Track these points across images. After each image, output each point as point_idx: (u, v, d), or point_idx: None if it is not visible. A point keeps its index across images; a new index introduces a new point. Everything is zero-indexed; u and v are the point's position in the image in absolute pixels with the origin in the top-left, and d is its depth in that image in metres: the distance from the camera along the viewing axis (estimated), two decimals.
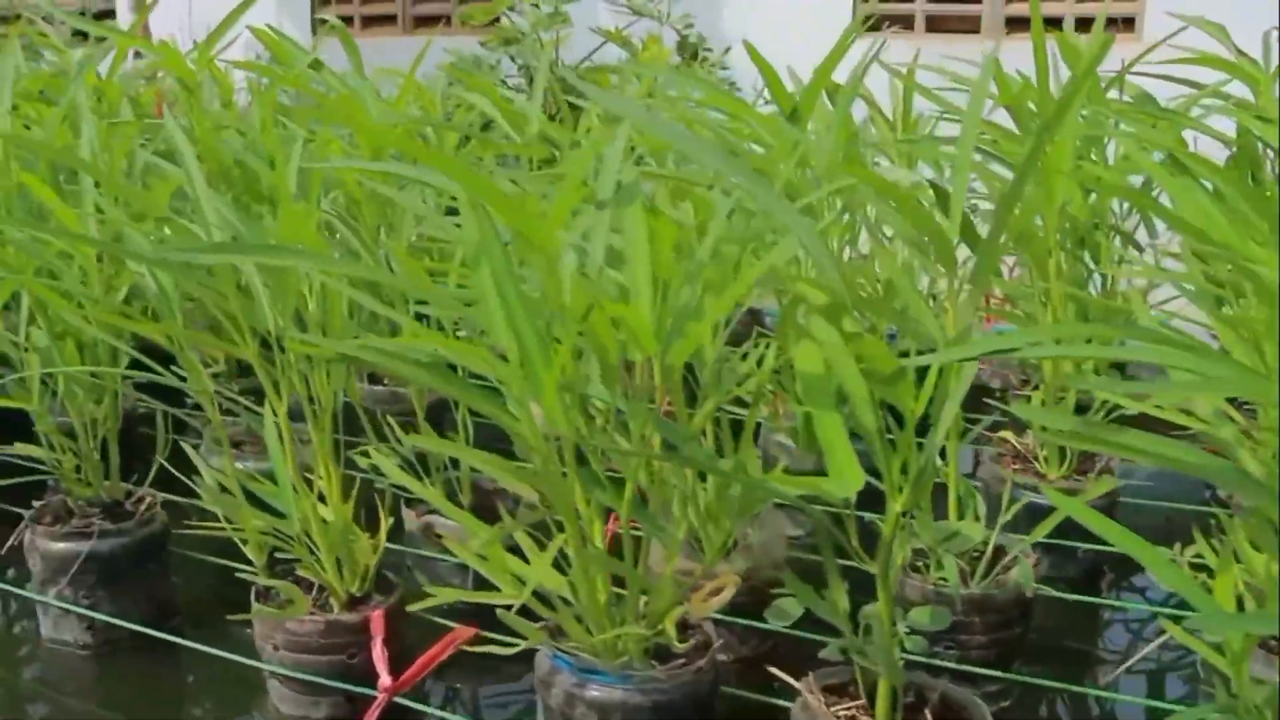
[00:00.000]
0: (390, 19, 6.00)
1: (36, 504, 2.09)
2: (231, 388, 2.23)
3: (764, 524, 1.95)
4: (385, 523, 1.83)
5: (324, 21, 6.24)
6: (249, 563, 1.85)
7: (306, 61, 2.90)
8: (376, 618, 1.78)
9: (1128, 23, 4.79)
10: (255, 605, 1.80)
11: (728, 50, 4.03)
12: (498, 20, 4.27)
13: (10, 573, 2.18)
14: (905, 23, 5.19)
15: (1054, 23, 4.81)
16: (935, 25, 5.20)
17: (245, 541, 1.86)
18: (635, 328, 1.35)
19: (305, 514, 1.79)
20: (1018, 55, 2.33)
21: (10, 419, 2.57)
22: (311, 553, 1.79)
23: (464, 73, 3.37)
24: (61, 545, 1.98)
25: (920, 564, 1.84)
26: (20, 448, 2.12)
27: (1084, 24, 4.77)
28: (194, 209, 1.74)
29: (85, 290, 1.92)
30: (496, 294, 1.34)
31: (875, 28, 5.34)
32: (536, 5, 4.05)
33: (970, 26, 5.14)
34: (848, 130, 1.89)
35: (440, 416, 2.68)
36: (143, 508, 2.06)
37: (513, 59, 4.06)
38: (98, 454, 2.06)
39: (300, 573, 1.82)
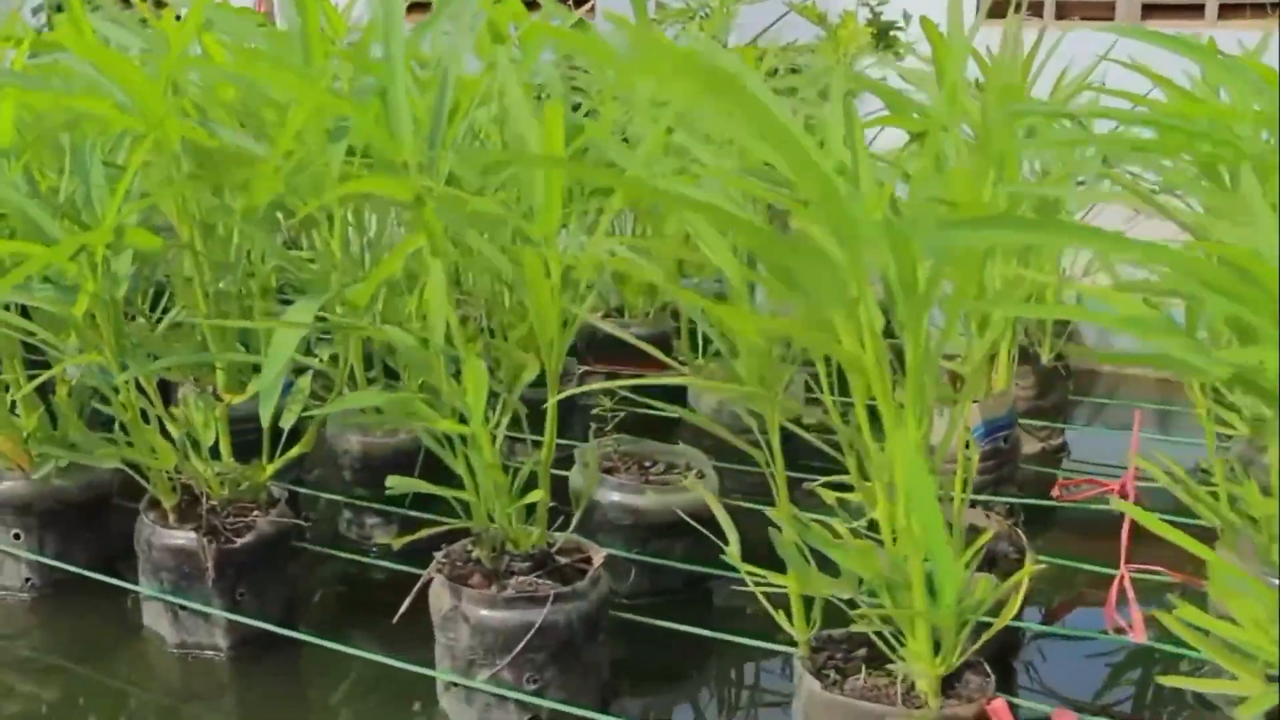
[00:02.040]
0: None
1: (437, 556, 1.62)
2: None
3: None
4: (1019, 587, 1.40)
5: None
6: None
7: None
8: (1000, 708, 1.36)
9: None
10: (827, 695, 1.36)
11: None
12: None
13: (387, 637, 1.70)
14: (1033, 9, 4.88)
15: (1197, 9, 4.55)
16: (1065, 12, 4.89)
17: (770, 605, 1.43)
18: None
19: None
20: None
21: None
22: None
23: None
24: (504, 615, 1.51)
25: None
26: (399, 482, 1.65)
27: (1227, 10, 4.51)
28: None
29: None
30: None
31: (1002, 14, 5.07)
32: None
33: (1103, 13, 4.84)
34: None
35: None
36: (593, 563, 1.60)
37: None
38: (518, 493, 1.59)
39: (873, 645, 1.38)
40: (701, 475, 1.93)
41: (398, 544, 1.59)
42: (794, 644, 1.43)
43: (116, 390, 1.70)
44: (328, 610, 1.93)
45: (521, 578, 1.56)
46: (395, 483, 1.66)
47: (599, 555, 1.60)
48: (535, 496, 1.50)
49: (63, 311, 1.62)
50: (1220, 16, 4.54)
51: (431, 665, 1.60)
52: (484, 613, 1.51)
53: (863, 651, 1.45)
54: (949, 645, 1.38)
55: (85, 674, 1.77)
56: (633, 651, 1.75)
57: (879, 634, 1.40)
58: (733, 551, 1.45)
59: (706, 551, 1.93)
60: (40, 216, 1.59)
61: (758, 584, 1.44)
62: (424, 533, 1.56)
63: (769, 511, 1.42)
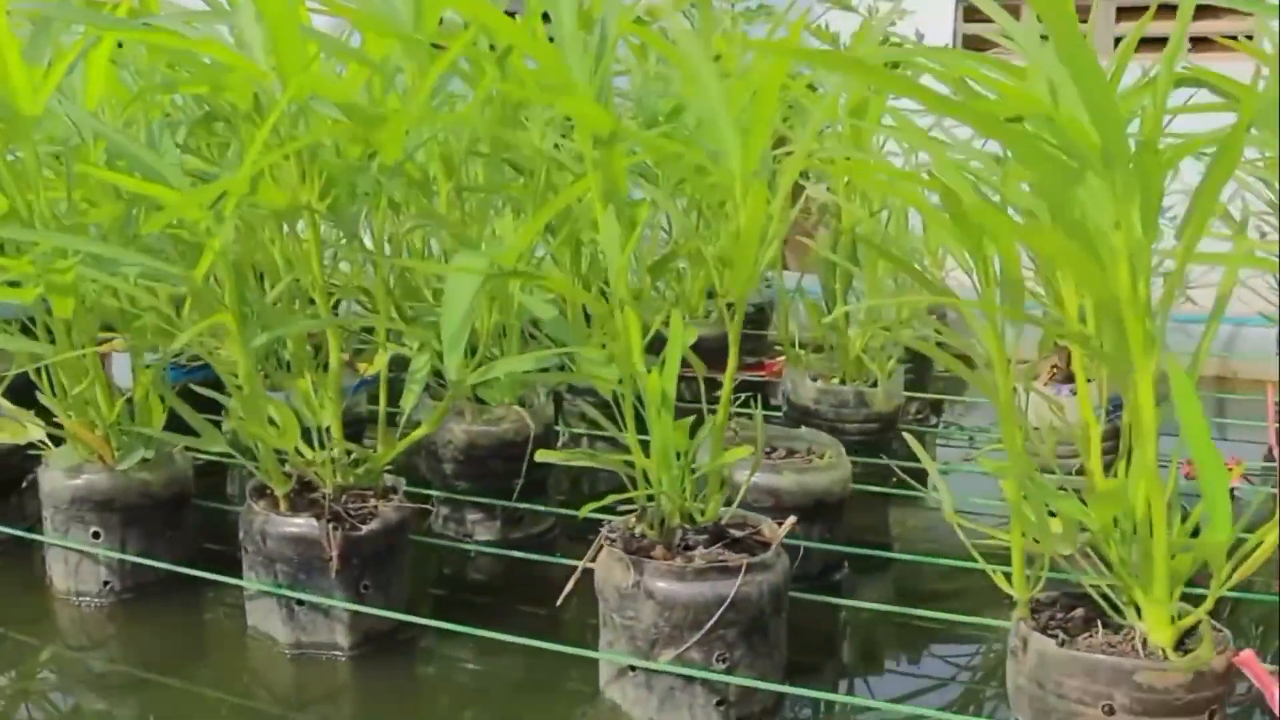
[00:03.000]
0: None
1: (607, 528, 1.50)
2: None
3: None
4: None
5: None
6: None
7: None
8: (1250, 660, 1.29)
9: None
10: (1067, 653, 1.28)
11: None
12: None
13: (541, 615, 1.56)
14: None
15: (1198, 41, 4.67)
16: None
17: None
18: None
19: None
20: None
21: None
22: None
23: None
24: (695, 588, 1.40)
25: None
26: (549, 455, 1.53)
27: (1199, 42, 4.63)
28: None
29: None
30: None
31: (980, 48, 5.16)
32: (733, 3, 3.66)
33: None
34: None
35: None
36: (765, 535, 1.49)
37: None
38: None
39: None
40: (835, 458, 1.84)
41: (584, 511, 1.46)
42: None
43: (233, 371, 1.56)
44: (442, 608, 1.79)
45: (702, 550, 1.45)
46: (546, 455, 1.54)
47: (776, 525, 1.49)
48: (735, 455, 1.40)
49: (182, 274, 1.48)
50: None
51: (567, 657, 1.49)
52: (672, 586, 1.40)
53: (1079, 612, 1.38)
54: (1217, 580, 1.30)
55: (177, 685, 1.58)
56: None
57: (1098, 591, 1.34)
58: (948, 507, 1.37)
59: (838, 538, 1.85)
60: (166, 168, 1.46)
61: (975, 542, 1.36)
62: (610, 499, 1.43)
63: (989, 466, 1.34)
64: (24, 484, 1.82)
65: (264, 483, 1.65)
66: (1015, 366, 2.15)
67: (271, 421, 1.59)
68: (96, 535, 1.73)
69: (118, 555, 1.73)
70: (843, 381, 2.16)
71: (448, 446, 1.93)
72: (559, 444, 2.21)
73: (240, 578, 1.65)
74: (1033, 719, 1.32)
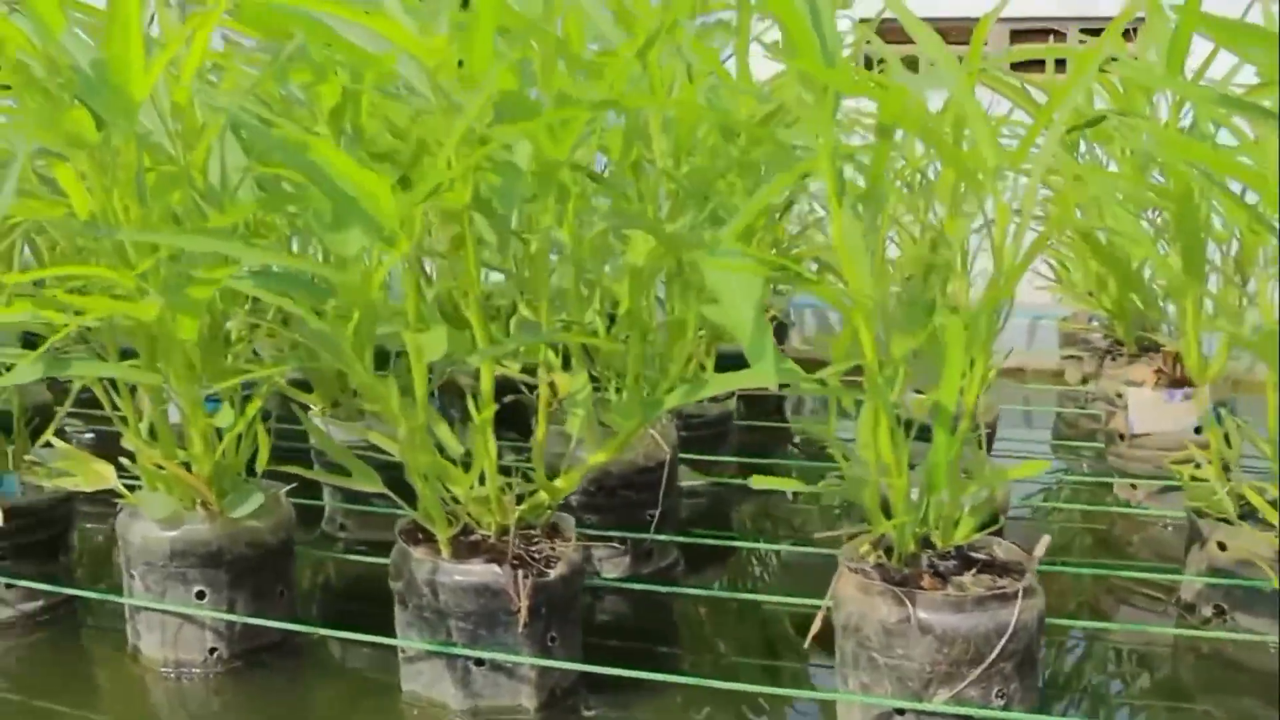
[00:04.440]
0: None
1: (845, 557, 1.35)
2: None
3: None
4: None
5: None
6: None
7: None
8: None
9: None
10: None
11: None
12: None
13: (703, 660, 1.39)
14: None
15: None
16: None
17: None
18: None
19: None
20: None
21: None
22: None
23: None
24: (976, 619, 1.26)
25: None
26: (766, 481, 1.38)
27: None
28: None
29: None
30: None
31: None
32: None
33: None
34: None
35: None
36: (1001, 556, 1.38)
37: None
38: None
39: None
40: None
41: (848, 534, 1.31)
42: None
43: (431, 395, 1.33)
44: (602, 657, 1.59)
45: (970, 577, 1.33)
46: (763, 482, 1.39)
47: (1014, 547, 1.38)
48: (1030, 470, 1.27)
49: (356, 284, 1.25)
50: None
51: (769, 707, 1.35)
52: (951, 618, 1.26)
53: None
54: None
55: None
56: None
57: None
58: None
59: None
60: (363, 161, 1.23)
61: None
62: (880, 528, 1.29)
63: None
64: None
65: (417, 525, 1.43)
66: (1112, 369, 2.10)
67: None
68: (201, 595, 1.46)
69: (227, 617, 1.47)
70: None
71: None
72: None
73: (371, 634, 1.44)
74: None
